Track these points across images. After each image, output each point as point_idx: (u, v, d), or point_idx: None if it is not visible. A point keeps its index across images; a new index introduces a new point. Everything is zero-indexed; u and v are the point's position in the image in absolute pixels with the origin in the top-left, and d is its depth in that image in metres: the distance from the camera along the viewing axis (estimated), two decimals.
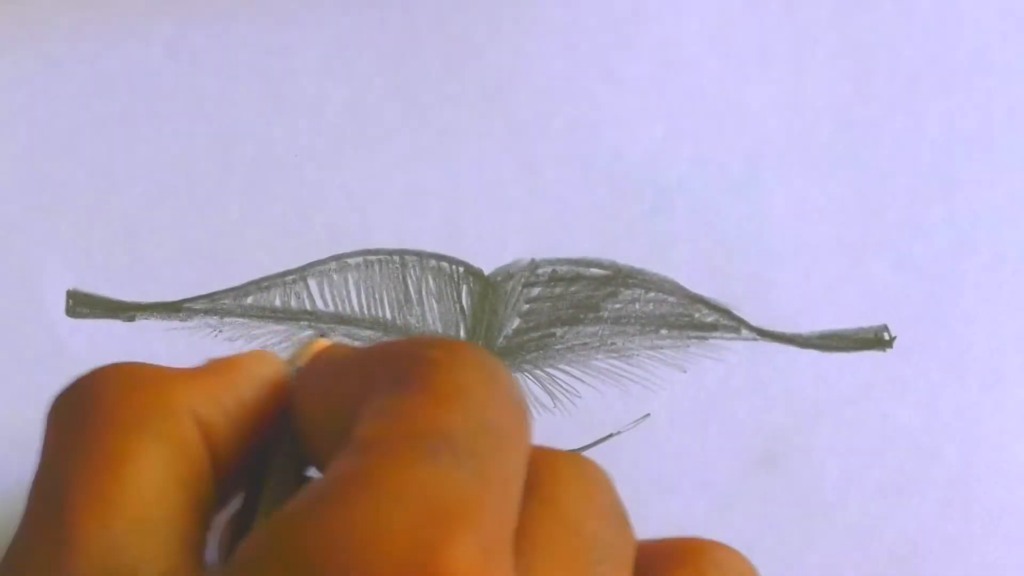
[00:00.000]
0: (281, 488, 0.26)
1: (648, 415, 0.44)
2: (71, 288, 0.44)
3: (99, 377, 0.25)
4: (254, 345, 0.44)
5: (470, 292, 0.44)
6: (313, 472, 0.28)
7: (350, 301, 0.44)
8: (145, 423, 0.24)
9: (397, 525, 0.21)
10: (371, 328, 0.44)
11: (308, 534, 0.21)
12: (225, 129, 0.45)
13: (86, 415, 0.25)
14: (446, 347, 0.24)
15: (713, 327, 0.44)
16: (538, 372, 0.44)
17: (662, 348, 0.44)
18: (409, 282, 0.44)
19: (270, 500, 0.26)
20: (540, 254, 0.45)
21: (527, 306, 0.44)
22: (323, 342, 0.28)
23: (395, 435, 0.22)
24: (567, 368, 0.44)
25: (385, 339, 0.44)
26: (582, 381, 0.44)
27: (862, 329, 0.44)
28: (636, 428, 0.44)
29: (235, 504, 0.27)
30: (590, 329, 0.44)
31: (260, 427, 0.27)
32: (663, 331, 0.44)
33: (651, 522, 0.29)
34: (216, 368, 0.27)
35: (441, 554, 0.21)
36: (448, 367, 0.24)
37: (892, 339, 0.44)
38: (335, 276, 0.44)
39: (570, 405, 0.44)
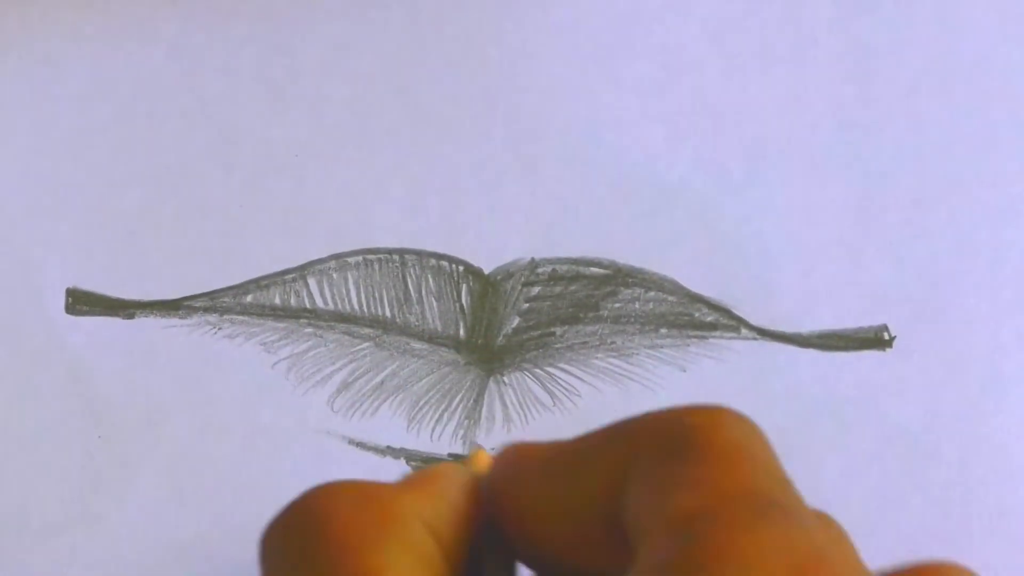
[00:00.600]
0: None
1: None
2: (70, 286, 0.44)
3: (319, 498, 0.24)
4: (252, 343, 0.44)
5: (470, 291, 0.44)
6: (522, 569, 0.27)
7: (350, 300, 0.44)
8: (387, 536, 0.24)
9: None
10: (370, 326, 0.44)
11: None
12: (225, 129, 0.45)
13: (317, 538, 0.24)
14: (701, 411, 0.23)
15: (713, 326, 0.44)
16: (538, 371, 0.44)
17: (662, 347, 0.44)
18: (409, 281, 0.44)
19: None
20: (540, 253, 0.45)
21: (527, 305, 0.44)
22: (486, 452, 0.28)
23: (717, 504, 0.21)
24: (567, 367, 0.44)
25: (385, 337, 0.44)
26: (582, 380, 0.44)
27: (862, 329, 0.44)
28: None
29: None
30: (590, 328, 0.44)
31: (469, 532, 0.26)
32: (663, 330, 0.44)
33: None
34: (422, 479, 0.27)
35: None
36: (717, 428, 0.23)
37: (892, 339, 0.44)
38: (335, 275, 0.44)
39: (570, 404, 0.44)
